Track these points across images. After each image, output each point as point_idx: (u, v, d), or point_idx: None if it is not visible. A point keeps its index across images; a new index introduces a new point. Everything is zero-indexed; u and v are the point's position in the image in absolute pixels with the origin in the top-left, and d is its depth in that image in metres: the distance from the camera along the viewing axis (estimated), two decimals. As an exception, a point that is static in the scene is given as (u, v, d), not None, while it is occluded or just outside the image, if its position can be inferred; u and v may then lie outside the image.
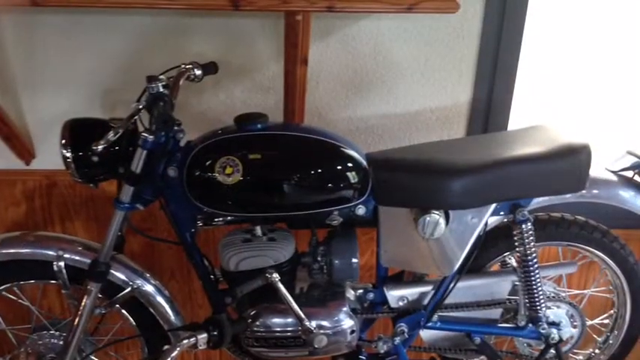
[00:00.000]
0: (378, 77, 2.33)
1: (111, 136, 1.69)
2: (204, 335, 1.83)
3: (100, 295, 1.94)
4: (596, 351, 2.39)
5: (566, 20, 2.40)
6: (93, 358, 2.19)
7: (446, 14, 2.16)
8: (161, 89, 1.74)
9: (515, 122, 2.45)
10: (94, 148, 1.69)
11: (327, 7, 1.82)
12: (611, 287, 2.28)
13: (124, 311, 2.08)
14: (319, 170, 1.82)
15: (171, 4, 1.83)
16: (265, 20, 2.20)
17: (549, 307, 2.11)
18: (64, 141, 1.78)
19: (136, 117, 1.77)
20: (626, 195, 2.06)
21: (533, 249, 1.98)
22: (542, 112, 2.54)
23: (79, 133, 1.80)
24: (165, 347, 1.84)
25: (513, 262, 2.13)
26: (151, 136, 1.74)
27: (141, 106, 1.75)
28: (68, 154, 1.77)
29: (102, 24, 2.18)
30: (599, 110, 2.57)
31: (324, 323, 1.93)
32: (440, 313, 2.07)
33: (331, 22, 2.22)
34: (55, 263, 1.95)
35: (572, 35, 2.43)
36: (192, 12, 2.16)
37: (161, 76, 1.77)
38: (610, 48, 2.46)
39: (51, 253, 1.96)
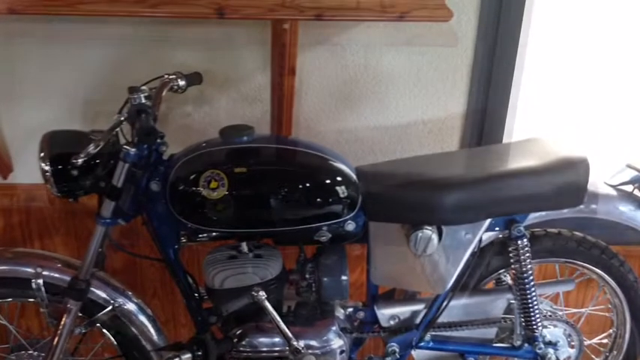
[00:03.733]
0: (369, 88, 2.33)
1: (91, 148, 1.69)
2: (188, 355, 1.82)
3: (80, 314, 1.92)
4: (595, 371, 2.39)
5: (564, 30, 2.41)
6: (73, 379, 2.18)
7: (438, 23, 2.17)
8: (143, 100, 1.72)
9: (510, 135, 2.45)
10: (74, 161, 1.68)
11: (315, 16, 1.85)
12: (610, 305, 2.27)
13: (104, 330, 2.05)
14: (307, 184, 1.80)
15: (153, 12, 1.86)
16: (251, 29, 2.20)
17: (546, 327, 2.10)
18: (42, 154, 1.75)
19: (117, 129, 1.77)
20: (626, 210, 2.05)
21: (529, 266, 1.97)
22: (538, 124, 2.53)
23: (58, 146, 1.77)
24: (148, 368, 1.85)
25: (509, 279, 2.13)
26: (133, 149, 1.73)
27: (122, 118, 1.75)
28: (47, 168, 1.74)
29: (82, 33, 2.18)
30: (597, 122, 2.57)
31: (313, 343, 1.91)
32: (432, 333, 2.05)
33: (320, 30, 2.22)
34: (33, 281, 1.91)
35: (569, 45, 2.43)
36: (176, 21, 2.15)
37: (143, 87, 1.76)
38: (608, 59, 2.46)
39: (29, 270, 1.93)
